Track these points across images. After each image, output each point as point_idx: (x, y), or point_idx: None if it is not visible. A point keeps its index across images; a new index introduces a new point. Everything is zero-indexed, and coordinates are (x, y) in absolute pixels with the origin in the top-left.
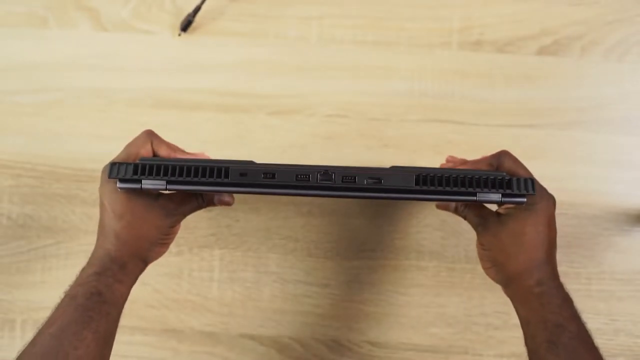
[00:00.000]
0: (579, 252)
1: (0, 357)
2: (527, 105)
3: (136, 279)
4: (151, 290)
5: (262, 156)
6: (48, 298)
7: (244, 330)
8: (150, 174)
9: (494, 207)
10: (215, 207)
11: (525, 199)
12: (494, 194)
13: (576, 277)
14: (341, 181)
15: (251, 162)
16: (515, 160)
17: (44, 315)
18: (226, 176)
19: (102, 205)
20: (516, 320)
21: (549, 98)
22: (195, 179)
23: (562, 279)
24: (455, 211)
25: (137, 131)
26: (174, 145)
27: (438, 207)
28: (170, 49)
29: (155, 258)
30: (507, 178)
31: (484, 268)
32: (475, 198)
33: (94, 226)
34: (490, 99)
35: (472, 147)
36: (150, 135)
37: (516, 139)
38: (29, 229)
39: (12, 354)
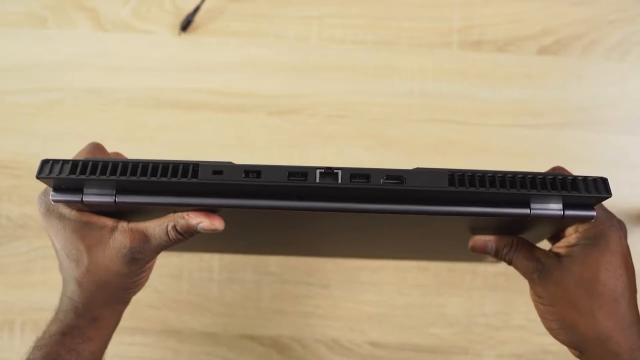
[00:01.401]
0: None
1: None
2: (527, 105)
3: (116, 325)
4: (151, 291)
5: (262, 156)
6: (48, 299)
7: (244, 331)
8: (93, 172)
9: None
10: None
11: (594, 213)
12: (553, 204)
13: None
14: (349, 180)
15: (229, 162)
16: None
17: (43, 316)
18: (194, 175)
19: (52, 243)
20: (517, 321)
21: (549, 98)
22: (153, 179)
23: None
24: (497, 254)
25: (137, 131)
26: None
27: (474, 248)
28: (170, 49)
29: (136, 293)
30: (570, 177)
31: (549, 329)
32: (528, 212)
33: None
34: (490, 99)
35: (472, 147)
36: (94, 149)
37: (516, 139)
38: (29, 229)
39: (11, 354)
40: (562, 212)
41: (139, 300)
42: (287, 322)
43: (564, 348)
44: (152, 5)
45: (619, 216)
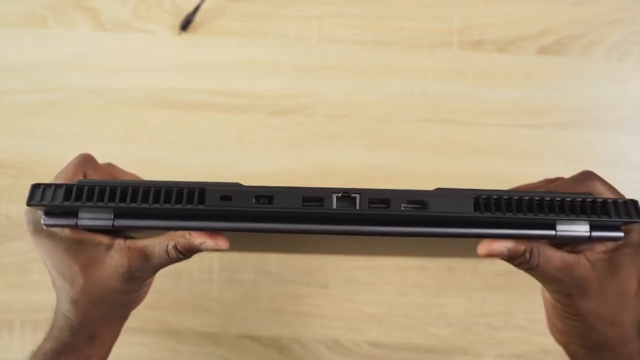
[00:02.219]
0: None
1: None
2: (527, 105)
3: (114, 339)
4: (151, 291)
5: (262, 156)
6: (47, 299)
7: (244, 331)
8: (89, 199)
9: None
10: None
11: (622, 235)
12: (580, 225)
13: None
14: (368, 206)
15: (237, 184)
16: (608, 185)
17: (43, 316)
18: (201, 201)
19: (43, 261)
20: (517, 321)
21: (549, 98)
22: (156, 206)
23: None
24: (514, 260)
25: (137, 131)
26: (123, 173)
27: (487, 254)
28: (170, 49)
29: (135, 307)
30: (599, 200)
31: (560, 342)
32: (554, 233)
33: None
34: (490, 99)
35: (472, 147)
36: (84, 162)
37: (516, 139)
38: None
39: (11, 354)
40: (589, 234)
41: None
42: (287, 322)
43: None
44: (152, 5)
45: None
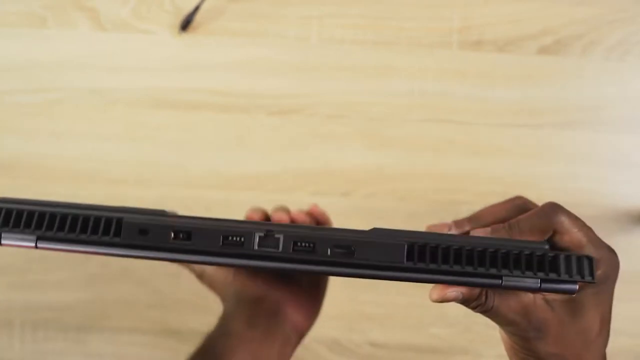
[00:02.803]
0: None
1: None
2: (527, 105)
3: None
4: (151, 291)
5: (262, 156)
6: (47, 298)
7: None
8: (6, 224)
9: None
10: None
11: (576, 287)
12: (528, 279)
13: None
14: (291, 250)
15: (162, 212)
16: (574, 220)
17: (43, 315)
18: (117, 234)
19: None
20: None
21: (549, 98)
22: (71, 236)
23: None
24: (468, 303)
25: (137, 131)
26: None
27: (437, 299)
28: (170, 49)
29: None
30: (550, 255)
31: None
32: (500, 282)
33: None
34: (490, 99)
35: (472, 147)
36: None
37: (516, 139)
38: None
39: (11, 354)
40: (538, 286)
41: (138, 300)
42: None
43: None
44: (152, 5)
45: (618, 215)
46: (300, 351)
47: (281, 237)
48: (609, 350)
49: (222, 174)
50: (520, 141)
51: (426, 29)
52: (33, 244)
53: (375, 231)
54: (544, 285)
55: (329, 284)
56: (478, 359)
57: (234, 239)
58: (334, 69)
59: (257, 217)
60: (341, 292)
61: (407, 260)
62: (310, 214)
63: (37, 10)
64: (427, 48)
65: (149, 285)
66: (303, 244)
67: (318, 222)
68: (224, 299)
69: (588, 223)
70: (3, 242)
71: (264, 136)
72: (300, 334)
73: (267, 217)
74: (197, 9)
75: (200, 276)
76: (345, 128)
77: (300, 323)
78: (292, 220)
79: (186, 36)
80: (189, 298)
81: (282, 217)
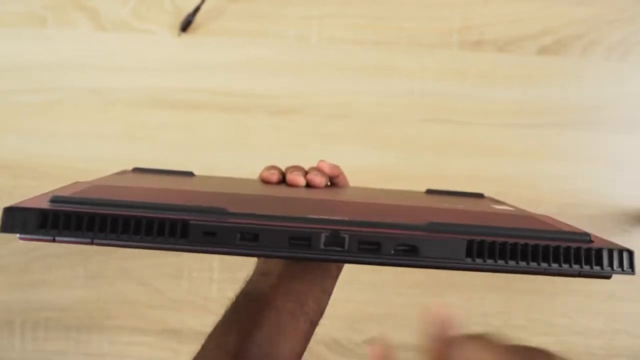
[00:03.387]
0: None
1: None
2: (527, 105)
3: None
4: (151, 291)
5: (262, 156)
6: (48, 298)
7: None
8: (66, 227)
9: None
10: None
11: (611, 275)
12: (570, 270)
13: None
14: (357, 249)
15: (222, 210)
16: None
17: (43, 315)
18: (184, 235)
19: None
20: (516, 321)
21: (549, 98)
22: (137, 237)
23: (563, 279)
24: None
25: (137, 131)
26: None
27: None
28: (170, 49)
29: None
30: (594, 249)
31: None
32: (543, 270)
33: None
34: (490, 99)
35: (472, 147)
36: None
37: (516, 139)
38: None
39: (11, 354)
40: (578, 272)
41: (138, 300)
42: None
43: (564, 348)
44: (152, 6)
45: (618, 215)
46: None
47: (347, 236)
48: (608, 348)
49: (222, 174)
50: (521, 141)
51: (426, 29)
52: (90, 240)
53: (432, 226)
54: (583, 271)
55: None
56: None
57: (301, 239)
58: (334, 69)
59: (274, 178)
60: (341, 292)
61: (467, 256)
62: (322, 170)
63: (38, 10)
64: (427, 48)
65: (149, 285)
66: (368, 244)
67: (332, 176)
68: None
69: (588, 223)
70: (58, 239)
71: (264, 136)
72: (339, 267)
73: (282, 176)
74: (197, 9)
75: None
76: (345, 128)
77: None
78: (309, 182)
79: (186, 36)
80: (189, 298)
81: (298, 179)
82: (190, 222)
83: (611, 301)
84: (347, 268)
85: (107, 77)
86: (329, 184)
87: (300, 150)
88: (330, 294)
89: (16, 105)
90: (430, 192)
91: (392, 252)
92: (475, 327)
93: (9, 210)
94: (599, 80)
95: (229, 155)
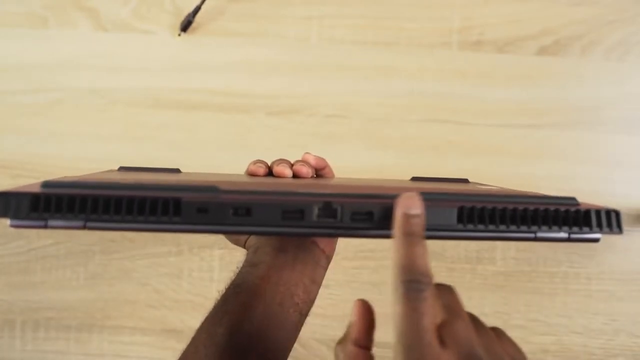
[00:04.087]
0: (579, 252)
1: (0, 357)
2: (527, 105)
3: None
4: (151, 291)
5: (262, 156)
6: (48, 298)
7: None
8: (58, 210)
9: None
10: None
11: (600, 236)
12: (559, 233)
13: (576, 277)
14: (350, 219)
15: (214, 188)
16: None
17: (43, 315)
18: (177, 213)
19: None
20: (516, 321)
21: (549, 98)
22: (129, 218)
23: (563, 279)
24: None
25: (137, 131)
26: None
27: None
28: (170, 49)
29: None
30: (582, 210)
31: None
32: (533, 236)
33: None
34: (490, 99)
35: (472, 147)
36: None
37: (516, 139)
38: (29, 229)
39: (12, 354)
40: (567, 236)
41: (138, 300)
42: None
43: (564, 348)
44: (152, 6)
45: None
46: (300, 350)
47: (339, 207)
48: (608, 348)
49: (221, 174)
50: (520, 141)
51: (426, 29)
52: (82, 224)
53: (423, 195)
54: (573, 236)
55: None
56: None
57: (294, 212)
58: (333, 69)
59: (261, 171)
60: (341, 292)
61: (458, 221)
62: (307, 162)
63: (38, 11)
64: (427, 48)
65: (149, 285)
66: (361, 213)
67: (318, 168)
68: (246, 243)
69: None
70: (50, 224)
71: (264, 136)
72: (328, 256)
73: (269, 170)
74: (197, 10)
75: None
76: (345, 128)
77: (327, 244)
78: (295, 173)
79: (186, 36)
80: (189, 298)
81: (285, 171)
82: (183, 199)
83: (611, 301)
84: (347, 268)
85: (107, 77)
86: (315, 176)
87: (300, 150)
88: (319, 285)
89: (16, 105)
90: (415, 179)
91: (385, 221)
92: None
93: (1, 195)
94: (599, 81)
95: (228, 155)
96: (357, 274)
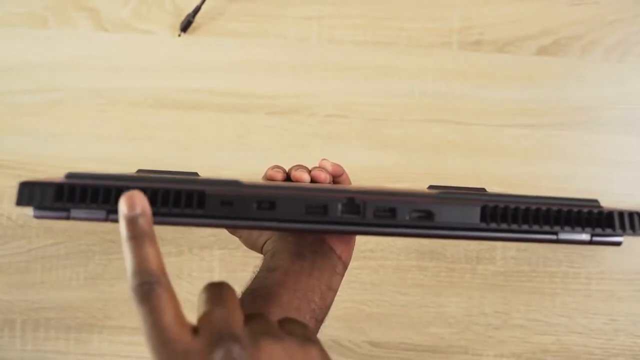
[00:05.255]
0: (579, 252)
1: (0, 357)
2: (527, 105)
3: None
4: None
5: (262, 156)
6: (48, 298)
7: None
8: (82, 200)
9: None
10: None
11: (622, 240)
12: (582, 234)
13: (576, 277)
14: (373, 215)
15: (236, 182)
16: None
17: (44, 315)
18: (200, 206)
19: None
20: (516, 320)
21: (549, 98)
22: (153, 210)
23: (562, 279)
24: None
25: (137, 131)
26: None
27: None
28: (170, 49)
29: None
30: (605, 212)
31: None
32: (555, 238)
33: (93, 226)
34: (490, 99)
35: (471, 147)
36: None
37: (516, 139)
38: (29, 229)
39: (12, 354)
40: (590, 239)
41: None
42: None
43: (563, 348)
44: (152, 6)
45: None
46: None
47: (363, 203)
48: (608, 348)
49: (222, 174)
50: (520, 141)
51: (426, 29)
52: (104, 216)
53: (446, 194)
54: (595, 239)
55: None
56: (477, 358)
57: (318, 207)
58: (333, 70)
59: (279, 176)
60: (341, 291)
61: (481, 220)
62: (325, 169)
63: (38, 11)
64: (427, 48)
65: None
66: (384, 210)
67: (335, 175)
68: (263, 248)
69: None
70: (73, 216)
71: (264, 136)
72: (345, 263)
73: (287, 175)
74: (197, 10)
75: (235, 231)
76: (345, 128)
77: (343, 250)
78: (313, 178)
79: (186, 36)
80: (189, 298)
81: (303, 176)
82: (207, 191)
83: (611, 301)
84: (348, 268)
85: (107, 77)
86: (332, 182)
87: (300, 150)
88: (336, 291)
89: (16, 105)
90: (432, 187)
91: (408, 218)
92: (476, 326)
93: (25, 185)
94: (599, 81)
95: (228, 155)
96: (357, 274)
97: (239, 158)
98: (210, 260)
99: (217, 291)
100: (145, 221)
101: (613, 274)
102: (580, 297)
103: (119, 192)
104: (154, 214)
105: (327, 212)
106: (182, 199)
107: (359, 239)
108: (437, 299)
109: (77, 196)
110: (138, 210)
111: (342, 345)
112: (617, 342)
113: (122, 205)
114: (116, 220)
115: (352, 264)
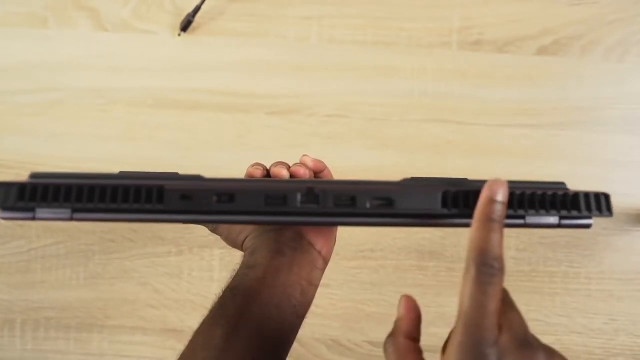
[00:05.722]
0: (579, 252)
1: (0, 357)
2: (527, 105)
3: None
4: (151, 290)
5: (262, 156)
6: (48, 298)
7: None
8: (44, 199)
9: None
10: None
11: (592, 222)
12: (550, 217)
13: (576, 277)
14: (333, 204)
15: (198, 177)
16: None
17: (44, 315)
18: (160, 201)
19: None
20: None
21: (549, 98)
22: (114, 206)
23: (562, 279)
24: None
25: (137, 131)
26: None
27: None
28: (170, 49)
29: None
30: (570, 193)
31: None
32: (523, 222)
33: (93, 226)
34: (490, 99)
35: (471, 147)
36: None
37: (516, 139)
38: (29, 229)
39: (12, 354)
40: (558, 223)
41: (138, 300)
42: None
43: (563, 348)
44: (152, 6)
45: (618, 215)
46: (300, 350)
47: (322, 193)
48: (608, 348)
49: (222, 174)
50: (520, 141)
51: (426, 29)
52: (69, 216)
53: (407, 181)
54: (564, 222)
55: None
56: None
57: (277, 198)
58: (333, 70)
59: (259, 173)
60: (341, 291)
61: (443, 206)
62: (305, 165)
63: (38, 11)
64: (427, 48)
65: (149, 285)
66: (344, 199)
67: (316, 171)
68: (243, 245)
69: None
70: (38, 216)
71: (264, 136)
72: (325, 258)
73: (267, 173)
74: (197, 10)
75: (215, 229)
76: (345, 128)
77: (323, 246)
78: (292, 174)
79: (186, 36)
80: (189, 298)
81: (282, 172)
82: (166, 186)
83: (611, 301)
84: (347, 268)
85: (107, 77)
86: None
87: (300, 150)
88: (317, 287)
89: (16, 105)
90: (413, 179)
91: (368, 206)
92: None
93: None
94: (599, 81)
95: (228, 155)
96: (357, 274)
97: (239, 158)
98: (210, 260)
99: (508, 296)
100: (503, 210)
101: (613, 274)
102: (580, 297)
103: (81, 190)
104: (115, 210)
105: (287, 203)
106: (142, 195)
107: (359, 239)
108: (437, 299)
109: (39, 195)
110: (504, 198)
111: (342, 345)
112: (617, 342)
113: (492, 187)
114: (81, 219)
115: (352, 263)
